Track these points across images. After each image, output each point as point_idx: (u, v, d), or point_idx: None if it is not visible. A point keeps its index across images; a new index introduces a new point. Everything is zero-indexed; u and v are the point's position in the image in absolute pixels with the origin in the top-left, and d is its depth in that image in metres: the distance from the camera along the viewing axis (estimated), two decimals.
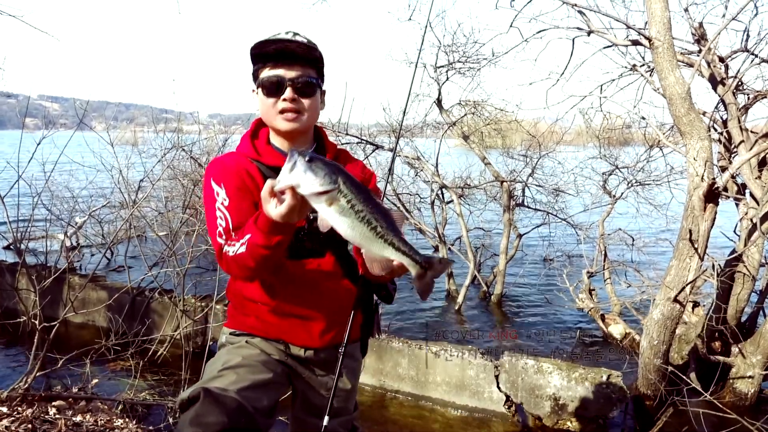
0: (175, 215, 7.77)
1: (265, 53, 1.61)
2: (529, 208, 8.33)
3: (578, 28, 4.82)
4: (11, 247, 4.07)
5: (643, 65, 5.44)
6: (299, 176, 1.24)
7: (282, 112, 1.63)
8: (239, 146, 1.74)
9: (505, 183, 7.38)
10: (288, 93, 1.61)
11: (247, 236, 1.42)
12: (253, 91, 1.70)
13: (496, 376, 4.17)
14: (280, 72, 1.61)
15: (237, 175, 1.63)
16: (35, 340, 3.61)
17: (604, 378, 3.88)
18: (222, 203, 1.58)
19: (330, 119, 7.21)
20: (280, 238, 1.37)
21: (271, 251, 1.39)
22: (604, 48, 5.03)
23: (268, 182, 1.28)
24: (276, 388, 1.67)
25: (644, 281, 5.86)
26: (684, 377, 3.87)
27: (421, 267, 1.39)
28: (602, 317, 5.97)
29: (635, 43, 4.49)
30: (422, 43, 2.54)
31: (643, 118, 4.86)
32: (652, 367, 4.02)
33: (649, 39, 3.84)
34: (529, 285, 8.07)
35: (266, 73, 1.62)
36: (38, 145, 4.20)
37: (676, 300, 3.65)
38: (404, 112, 2.63)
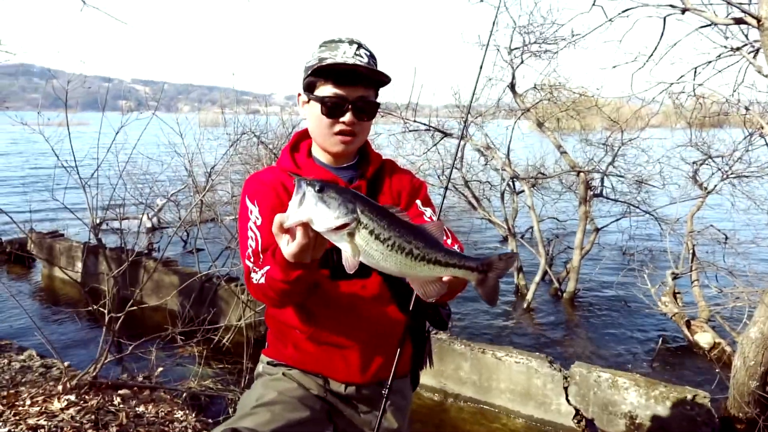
0: None
1: (328, 69, 1.48)
2: (608, 199, 7.76)
3: (671, 6, 4.31)
4: (95, 228, 4.23)
5: (746, 45, 4.81)
6: (310, 210, 1.11)
7: (338, 134, 1.52)
8: (278, 161, 1.63)
9: (582, 173, 6.91)
10: (348, 117, 1.50)
11: (266, 268, 1.33)
12: (303, 101, 1.58)
13: (565, 388, 3.89)
14: (343, 93, 1.49)
15: (273, 192, 1.52)
16: (104, 327, 3.72)
17: (689, 398, 3.51)
18: (254, 222, 1.48)
19: (398, 104, 7.01)
20: (300, 273, 1.23)
21: (291, 286, 1.27)
22: (701, 27, 4.49)
23: (277, 217, 1.14)
24: (314, 428, 1.54)
25: (739, 287, 5.28)
26: None
27: (479, 272, 1.25)
28: (688, 324, 5.47)
29: (739, 21, 3.95)
30: (494, 24, 2.36)
31: (747, 109, 4.29)
32: (746, 389, 3.59)
33: (757, 18, 3.35)
34: (605, 284, 7.57)
35: (327, 90, 1.50)
36: (120, 128, 4.28)
37: None
38: (471, 98, 2.42)
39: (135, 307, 3.83)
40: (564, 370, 3.94)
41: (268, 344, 1.71)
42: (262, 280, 1.33)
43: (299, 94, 1.58)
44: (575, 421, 3.86)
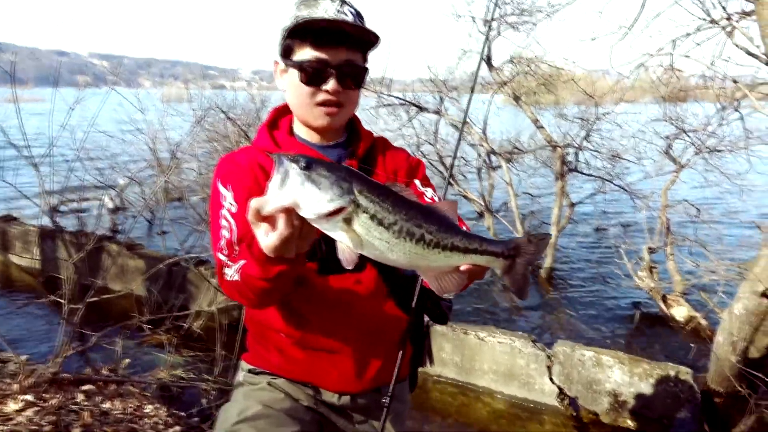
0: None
1: (306, 28, 1.26)
2: (583, 174, 7.74)
3: None
4: (51, 211, 3.95)
5: (725, 18, 4.73)
6: (295, 192, 0.92)
7: (321, 104, 1.32)
8: (255, 139, 1.42)
9: (558, 148, 6.83)
10: (332, 84, 1.29)
11: (242, 262, 1.13)
12: (281, 70, 1.36)
13: (549, 367, 3.83)
14: (325, 56, 1.27)
15: (249, 175, 1.32)
16: (63, 318, 3.47)
17: (672, 374, 3.49)
18: (228, 210, 1.28)
19: (371, 77, 6.76)
20: (282, 269, 1.04)
21: (271, 284, 1.07)
22: None
23: (254, 202, 0.93)
24: None
25: (714, 261, 5.32)
26: (762, 376, 3.44)
27: (505, 257, 1.07)
28: (664, 298, 5.49)
29: None
30: None
31: (735, 81, 4.22)
32: (728, 364, 3.59)
33: None
34: (581, 260, 7.59)
35: (307, 54, 1.28)
36: (75, 103, 3.98)
37: (765, 294, 3.18)
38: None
39: (96, 297, 3.58)
40: (547, 350, 3.87)
41: (249, 349, 1.52)
42: (237, 277, 1.14)
43: (276, 62, 1.37)
44: (559, 400, 3.82)
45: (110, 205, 9.59)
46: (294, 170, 0.92)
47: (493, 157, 7.63)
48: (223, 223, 1.27)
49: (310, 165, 0.93)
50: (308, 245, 1.02)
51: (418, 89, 7.73)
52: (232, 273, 1.16)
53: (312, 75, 1.28)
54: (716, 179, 7.03)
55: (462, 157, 8.40)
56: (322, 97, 1.30)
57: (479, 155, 7.54)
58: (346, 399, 1.44)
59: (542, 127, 6.97)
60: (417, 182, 1.48)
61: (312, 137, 1.39)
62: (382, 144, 1.51)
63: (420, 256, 1.00)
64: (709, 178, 7.08)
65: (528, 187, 8.96)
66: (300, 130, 1.41)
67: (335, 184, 0.92)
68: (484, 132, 7.00)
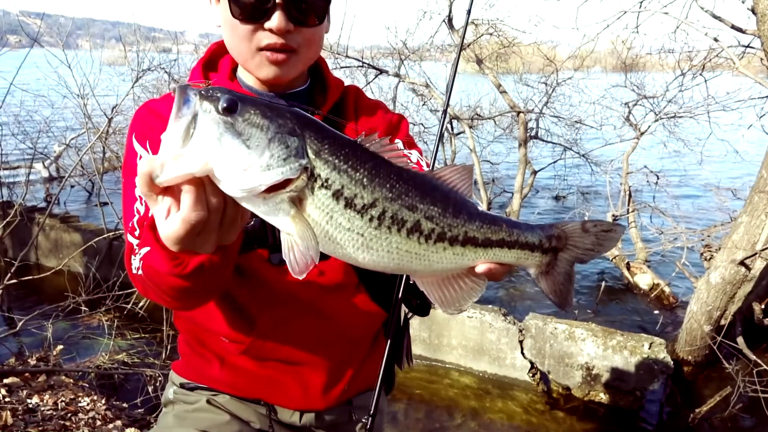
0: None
1: None
2: (544, 141, 7.63)
3: None
4: None
5: None
6: (208, 153, 0.59)
7: (265, 48, 0.97)
8: (187, 82, 1.08)
9: (521, 114, 6.64)
10: (277, 21, 0.94)
11: (145, 250, 0.80)
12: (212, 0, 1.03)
13: (521, 342, 3.68)
14: None
15: None
16: None
17: (646, 347, 3.40)
18: None
19: (327, 38, 6.33)
20: (201, 262, 0.73)
21: (189, 281, 0.76)
22: None
23: (143, 163, 0.61)
24: None
25: (678, 228, 5.30)
26: (734, 344, 3.40)
27: (545, 251, 0.78)
28: (627, 266, 5.46)
29: None
30: None
31: (716, 39, 4.07)
32: (700, 333, 3.53)
33: None
34: None
35: None
36: None
37: (742, 263, 3.09)
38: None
39: (26, 277, 3.15)
40: (518, 323, 3.72)
41: (182, 356, 1.20)
42: (141, 271, 0.83)
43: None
44: (530, 375, 3.68)
45: (44, 173, 8.85)
46: (207, 114, 0.60)
47: (456, 124, 7.39)
48: (137, 193, 0.94)
49: (233, 105, 0.60)
50: (234, 234, 0.71)
51: (376, 56, 7.34)
52: (137, 264, 0.84)
53: (249, 8, 0.94)
54: (676, 146, 7.06)
55: (422, 124, 8.12)
56: (265, 39, 0.96)
57: (440, 121, 7.20)
58: (309, 417, 1.15)
59: (505, 92, 6.75)
60: (399, 143, 1.17)
61: (260, 85, 1.06)
62: (354, 95, 1.19)
63: (414, 256, 0.70)
64: (669, 145, 7.11)
65: (488, 155, 8.79)
66: (245, 75, 1.07)
67: (277, 139, 0.61)
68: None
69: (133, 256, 0.87)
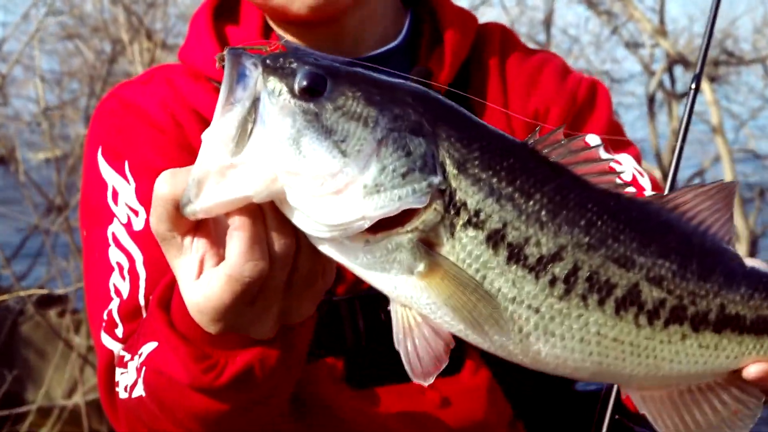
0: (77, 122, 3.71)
1: None
2: None
3: None
4: None
5: None
6: (279, 160, 0.39)
7: None
8: (183, 47, 0.75)
9: None
10: None
11: (149, 347, 0.53)
12: None
13: None
14: None
15: (171, 135, 0.68)
16: None
17: None
18: (126, 225, 0.65)
19: None
20: (250, 361, 0.47)
21: (228, 400, 0.49)
22: None
23: (162, 183, 0.41)
24: None
25: None
26: None
27: None
28: None
29: None
30: None
31: None
32: None
33: None
34: None
35: None
36: None
37: None
38: None
39: None
40: None
41: None
42: (142, 389, 0.55)
43: None
44: None
45: None
46: (276, 99, 0.40)
47: (679, 72, 4.36)
48: (114, 257, 0.65)
49: (318, 82, 0.40)
50: (310, 307, 0.48)
51: None
52: (130, 379, 0.58)
53: None
54: None
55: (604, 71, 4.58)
56: None
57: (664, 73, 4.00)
58: None
59: None
60: (596, 140, 0.70)
61: (316, 43, 0.69)
62: (500, 44, 0.78)
63: (629, 349, 0.45)
64: None
65: (749, 139, 5.17)
66: (281, 29, 0.72)
67: (393, 141, 0.40)
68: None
69: (120, 370, 0.61)
